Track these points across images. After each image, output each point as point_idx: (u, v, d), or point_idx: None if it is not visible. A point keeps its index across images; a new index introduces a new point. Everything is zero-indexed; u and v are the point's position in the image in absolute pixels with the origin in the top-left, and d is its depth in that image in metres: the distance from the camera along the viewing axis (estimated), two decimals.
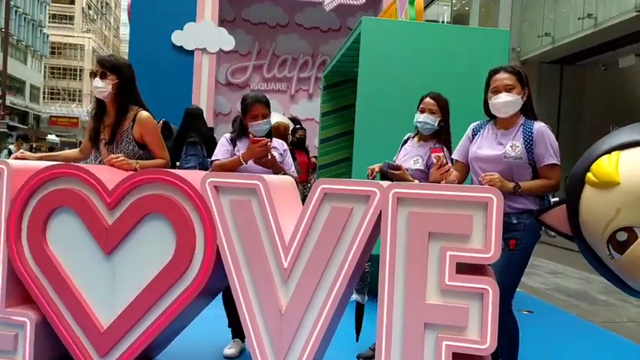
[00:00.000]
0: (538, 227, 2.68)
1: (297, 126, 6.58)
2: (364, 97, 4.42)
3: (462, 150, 2.93)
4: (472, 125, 2.95)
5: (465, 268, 2.20)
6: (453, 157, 2.99)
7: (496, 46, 4.46)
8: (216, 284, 2.65)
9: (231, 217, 2.40)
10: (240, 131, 3.30)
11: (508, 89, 2.70)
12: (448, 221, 2.16)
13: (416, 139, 3.41)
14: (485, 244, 2.12)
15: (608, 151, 2.18)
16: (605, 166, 2.14)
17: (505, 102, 2.70)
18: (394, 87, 4.33)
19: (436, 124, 3.25)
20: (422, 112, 3.27)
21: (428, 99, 3.28)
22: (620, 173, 2.08)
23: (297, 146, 6.38)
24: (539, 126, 2.70)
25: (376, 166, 3.27)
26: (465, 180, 2.96)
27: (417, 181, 3.10)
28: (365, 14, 8.70)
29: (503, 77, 2.73)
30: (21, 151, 3.20)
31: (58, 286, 2.53)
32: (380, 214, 2.22)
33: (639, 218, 2.02)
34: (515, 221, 2.69)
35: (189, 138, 5.15)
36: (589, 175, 2.20)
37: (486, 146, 2.76)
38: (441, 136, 3.30)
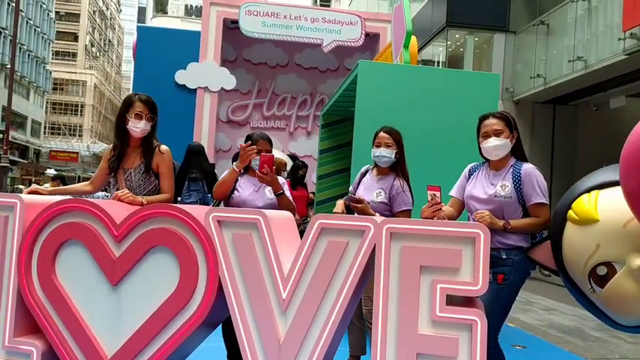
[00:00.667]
0: (527, 265, 2.81)
1: (301, 163, 6.76)
2: (360, 136, 4.59)
3: (459, 188, 3.11)
4: (469, 166, 3.14)
5: (456, 301, 2.32)
6: (450, 194, 3.14)
7: (487, 88, 4.66)
8: (217, 315, 2.75)
9: (233, 250, 2.52)
10: (244, 168, 3.44)
11: (497, 134, 2.89)
12: (439, 255, 2.28)
13: (374, 172, 3.56)
14: (474, 277, 2.25)
15: (588, 190, 2.33)
16: (584, 204, 2.28)
17: (494, 146, 2.88)
18: (389, 125, 4.50)
19: (393, 157, 3.41)
20: (378, 146, 3.44)
21: (382, 133, 3.46)
22: (599, 211, 2.22)
23: (299, 183, 6.55)
24: (527, 167, 2.86)
25: (341, 203, 3.44)
26: (460, 216, 3.11)
27: (377, 214, 3.25)
28: (362, 55, 8.99)
29: (492, 123, 2.92)
30: (34, 185, 3.36)
31: (64, 315, 2.63)
32: (374, 248, 2.35)
33: (617, 253, 2.15)
34: (504, 256, 2.82)
35: (191, 174, 5.29)
36: (570, 212, 2.35)
37: (480, 186, 2.93)
38: (398, 168, 3.45)
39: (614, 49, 9.84)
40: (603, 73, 10.57)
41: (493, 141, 2.88)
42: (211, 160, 7.93)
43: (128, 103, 3.26)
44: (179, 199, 5.30)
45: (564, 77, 11.40)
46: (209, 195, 5.42)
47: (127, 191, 2.99)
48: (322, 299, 2.40)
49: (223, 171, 3.61)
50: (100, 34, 63.89)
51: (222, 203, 3.45)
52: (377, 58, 7.58)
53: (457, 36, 14.75)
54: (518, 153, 2.96)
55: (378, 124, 4.59)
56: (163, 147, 3.31)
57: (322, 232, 2.42)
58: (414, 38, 5.26)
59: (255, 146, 3.30)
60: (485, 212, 2.76)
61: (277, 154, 6.48)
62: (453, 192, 3.12)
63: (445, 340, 2.26)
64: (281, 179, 3.52)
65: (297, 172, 6.52)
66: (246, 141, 3.47)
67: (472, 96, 4.58)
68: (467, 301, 2.36)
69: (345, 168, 6.97)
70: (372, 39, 8.91)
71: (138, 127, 3.19)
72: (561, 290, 7.71)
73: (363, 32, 8.44)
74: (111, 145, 3.36)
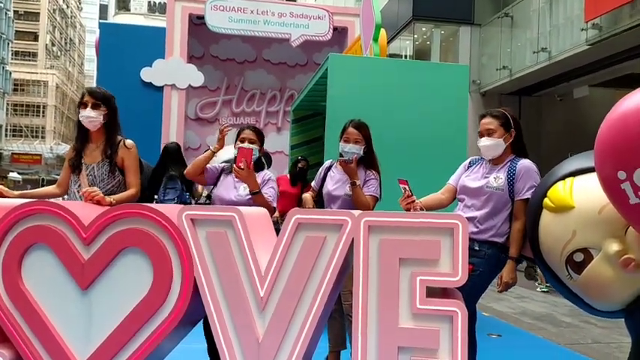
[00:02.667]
0: (500, 260, 2.81)
1: (300, 157, 6.55)
2: (332, 130, 4.55)
3: (457, 176, 3.10)
4: (471, 158, 3.13)
5: (433, 291, 2.30)
6: (448, 182, 3.12)
7: (456, 80, 4.69)
8: (195, 315, 2.68)
9: (208, 249, 2.46)
10: (231, 165, 3.37)
11: (489, 133, 2.89)
12: (417, 247, 2.26)
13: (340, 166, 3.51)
14: (453, 268, 2.23)
15: (563, 178, 2.35)
16: (560, 191, 2.30)
17: (485, 146, 2.90)
18: (361, 118, 4.48)
19: (361, 152, 3.38)
20: (346, 141, 3.39)
21: (351, 129, 3.41)
22: (575, 198, 2.24)
23: (300, 178, 6.38)
24: (524, 162, 2.85)
25: (309, 197, 3.44)
26: (452, 203, 3.10)
27: (359, 182, 3.25)
28: (330, 50, 8.95)
29: (486, 122, 2.92)
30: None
31: (33, 323, 2.53)
32: (352, 242, 2.32)
33: (594, 240, 2.17)
34: (477, 248, 2.82)
35: (169, 172, 5.28)
36: (546, 200, 2.36)
37: (474, 178, 2.93)
38: (366, 162, 3.43)
39: (576, 39, 10.03)
40: (567, 63, 10.78)
41: (484, 141, 2.90)
42: None
43: (80, 97, 3.25)
44: (156, 197, 5.24)
45: (529, 68, 11.58)
46: (187, 194, 5.35)
47: (96, 189, 2.90)
48: (301, 296, 2.35)
49: None
50: (60, 33, 62.33)
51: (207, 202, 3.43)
52: (346, 52, 7.56)
53: (424, 29, 14.85)
54: (518, 149, 2.94)
55: (349, 117, 4.55)
56: (129, 141, 3.29)
57: (299, 228, 2.38)
58: (383, 31, 5.25)
59: (230, 126, 3.32)
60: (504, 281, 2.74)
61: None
62: (451, 179, 3.12)
63: (426, 333, 2.24)
64: (268, 173, 3.44)
65: (297, 166, 6.34)
66: (238, 133, 3.43)
67: (442, 87, 4.60)
68: (444, 292, 2.35)
69: (317, 163, 6.93)
70: (340, 33, 8.88)
71: (84, 115, 3.16)
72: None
73: (331, 26, 8.41)
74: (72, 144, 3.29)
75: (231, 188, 3.28)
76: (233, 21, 8.15)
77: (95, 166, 3.19)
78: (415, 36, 14.58)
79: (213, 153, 3.33)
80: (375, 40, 5.18)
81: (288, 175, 6.41)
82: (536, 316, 6.20)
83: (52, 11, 58.18)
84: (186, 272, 2.45)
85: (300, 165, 6.37)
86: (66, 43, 64.42)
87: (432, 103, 4.57)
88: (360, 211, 2.49)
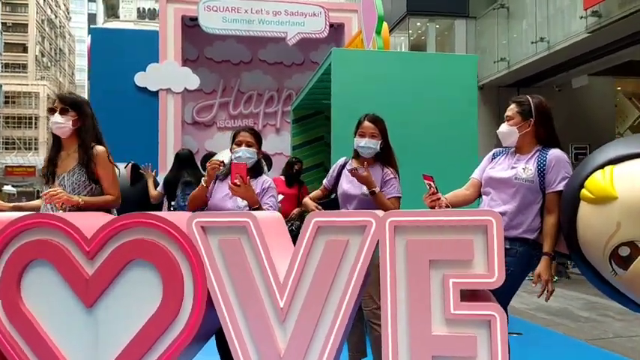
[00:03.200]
0: (532, 258, 2.64)
1: (294, 159, 6.40)
2: (338, 127, 4.39)
3: (480, 169, 2.94)
4: (495, 149, 2.98)
5: (464, 295, 2.14)
6: (472, 176, 2.96)
7: (465, 71, 4.52)
8: (209, 328, 2.51)
9: (221, 258, 2.29)
10: (229, 169, 3.16)
11: (507, 120, 2.77)
12: (448, 247, 2.10)
13: (355, 163, 3.32)
14: (489, 268, 2.07)
15: (601, 166, 2.18)
16: (599, 181, 2.13)
17: (500, 132, 2.79)
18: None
19: (377, 147, 3.20)
20: (362, 136, 3.22)
21: (367, 123, 3.23)
22: (616, 187, 2.07)
23: (296, 179, 6.24)
24: (554, 152, 2.68)
25: (311, 203, 3.24)
26: (477, 198, 2.93)
27: (378, 188, 3.06)
28: (327, 47, 8.77)
29: (508, 107, 2.81)
30: None
31: (35, 345, 2.35)
32: (377, 244, 2.16)
33: None
34: (507, 246, 2.65)
35: (185, 177, 5.24)
36: (584, 191, 2.20)
37: (500, 168, 2.77)
38: (383, 158, 3.25)
39: (575, 28, 9.90)
40: (566, 52, 10.65)
41: (502, 127, 2.80)
42: None
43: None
44: (173, 203, 5.17)
45: (528, 59, 11.44)
46: None
47: (59, 189, 2.74)
48: (324, 305, 2.18)
49: None
50: (50, 44, 61.96)
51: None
52: (347, 46, 7.37)
53: (418, 24, 14.70)
54: (541, 139, 2.77)
55: (355, 113, 4.37)
56: (98, 147, 3.09)
57: (319, 232, 2.21)
58: (385, 23, 5.08)
59: (217, 162, 3.07)
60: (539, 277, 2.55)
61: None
62: (475, 174, 2.96)
63: (462, 340, 2.07)
64: (267, 180, 3.23)
65: (293, 168, 6.19)
66: (234, 136, 3.22)
67: (450, 78, 4.45)
68: (473, 294, 2.18)
69: (319, 163, 6.77)
70: (336, 30, 8.71)
71: (52, 121, 3.00)
72: None
73: (328, 23, 8.24)
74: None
75: (228, 198, 3.03)
76: (227, 21, 7.96)
77: (66, 176, 3.00)
78: (410, 31, 14.43)
79: (205, 187, 3.10)
80: (378, 32, 5.01)
81: (283, 177, 6.23)
82: (552, 312, 6.04)
83: (40, 22, 57.82)
84: (198, 284, 2.28)
85: (296, 167, 6.24)
86: (56, 54, 64.06)
87: (440, 95, 4.41)
88: (385, 211, 2.32)
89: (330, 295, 2.19)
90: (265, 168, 6.90)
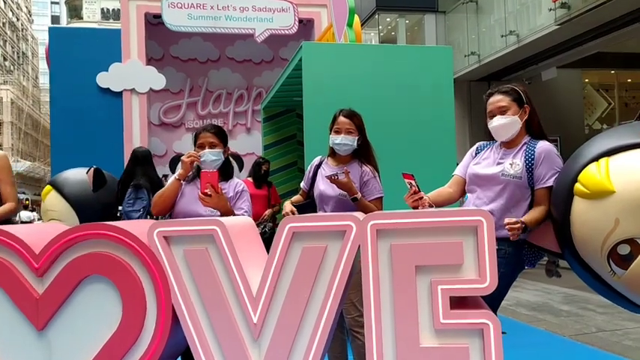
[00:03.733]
0: (522, 258, 2.48)
1: (262, 159, 6.14)
2: (311, 124, 4.19)
3: (463, 166, 2.75)
4: (478, 144, 2.79)
5: (453, 302, 1.97)
6: (454, 173, 2.78)
7: (440, 62, 4.37)
8: (175, 348, 2.29)
9: (187, 270, 2.08)
10: (194, 173, 2.93)
11: (502, 111, 2.53)
12: (436, 251, 1.92)
13: (332, 161, 3.11)
14: (480, 273, 1.90)
15: (595, 159, 2.03)
16: (594, 174, 1.98)
17: (500, 125, 2.52)
18: None
19: (355, 144, 2.99)
20: (337, 133, 3.00)
21: (342, 118, 3.01)
22: (613, 181, 1.92)
23: (263, 180, 6.00)
24: (543, 145, 2.49)
25: (289, 204, 3.05)
26: (462, 197, 2.75)
27: (359, 194, 2.87)
28: (297, 44, 8.54)
29: (496, 99, 2.56)
30: None
31: None
32: (358, 250, 1.97)
33: None
34: (496, 247, 2.49)
35: (139, 181, 4.77)
36: (578, 186, 2.04)
37: (485, 165, 2.58)
38: (361, 154, 3.06)
39: (545, 20, 9.89)
40: (535, 45, 10.65)
41: (498, 119, 2.52)
42: None
43: None
44: (120, 208, 4.73)
45: (498, 53, 11.43)
46: None
47: None
48: (302, 319, 1.99)
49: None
50: (12, 47, 60.16)
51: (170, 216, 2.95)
52: (317, 41, 7.17)
53: (388, 19, 14.60)
54: (533, 129, 2.58)
55: (328, 109, 4.15)
56: None
57: (294, 238, 2.01)
58: (356, 17, 4.91)
59: (195, 153, 2.83)
60: (515, 222, 2.28)
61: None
62: (458, 170, 2.76)
63: (453, 352, 1.90)
64: (239, 182, 2.99)
65: (261, 169, 5.95)
66: (195, 136, 2.98)
67: (426, 71, 4.28)
68: (462, 300, 2.01)
69: (292, 162, 6.58)
70: (305, 26, 8.50)
71: None
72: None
73: (297, 19, 8.01)
74: None
75: (197, 201, 2.75)
76: (193, 18, 7.67)
77: None
78: (380, 27, 14.32)
79: (180, 181, 2.84)
80: (350, 25, 4.83)
81: (251, 179, 5.98)
82: (533, 307, 5.96)
83: (1, 25, 56.14)
84: (162, 301, 2.06)
85: (264, 168, 6.01)
86: (18, 57, 62.29)
87: (416, 87, 4.25)
88: (365, 214, 2.14)
89: (308, 307, 1.99)
90: (237, 168, 6.66)
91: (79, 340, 2.10)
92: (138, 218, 4.54)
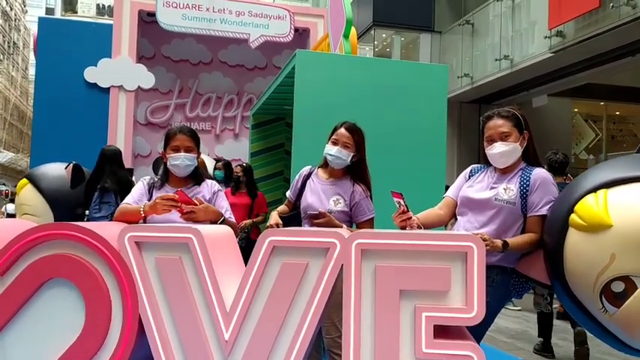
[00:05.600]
0: (509, 288, 2.40)
1: (242, 164, 5.94)
2: (301, 134, 4.09)
3: (456, 188, 2.65)
4: (472, 166, 2.69)
5: (435, 328, 1.86)
6: (446, 194, 2.68)
7: (436, 80, 4.30)
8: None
9: (157, 279, 1.96)
10: (163, 178, 2.77)
11: (504, 137, 2.43)
12: (422, 276, 1.83)
13: (323, 174, 2.99)
14: (467, 301, 1.80)
15: (593, 190, 1.95)
16: (592, 206, 1.90)
17: (501, 152, 2.43)
18: (331, 122, 4.03)
19: (348, 160, 2.88)
20: (334, 143, 2.88)
21: (342, 130, 2.89)
22: (612, 214, 1.84)
23: (236, 186, 5.77)
24: (539, 172, 2.41)
25: (275, 215, 2.91)
26: (452, 219, 2.65)
27: (344, 226, 2.77)
28: (291, 52, 8.47)
29: (497, 124, 2.45)
30: None
31: None
32: (341, 269, 1.86)
33: (639, 265, 1.77)
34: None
35: (105, 183, 4.54)
36: (574, 217, 1.96)
37: (479, 188, 2.48)
38: (355, 172, 2.94)
39: (539, 47, 9.94)
40: (528, 71, 10.70)
41: (499, 146, 2.42)
42: (129, 167, 7.15)
43: None
44: (87, 212, 4.52)
45: (491, 76, 11.46)
46: None
47: None
48: (277, 338, 1.88)
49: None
50: (3, 37, 59.46)
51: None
52: (313, 50, 7.09)
53: (384, 35, 14.62)
54: (529, 155, 2.50)
55: (318, 119, 4.10)
56: None
57: (274, 253, 1.90)
58: (353, 28, 4.84)
59: (171, 197, 2.47)
60: (483, 234, 2.23)
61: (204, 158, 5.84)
62: (449, 192, 2.66)
63: None
64: (213, 182, 2.85)
65: (231, 169, 5.71)
66: (165, 136, 2.78)
67: (421, 88, 4.21)
68: (446, 328, 1.91)
69: (279, 171, 6.46)
70: (301, 35, 8.43)
71: None
72: None
73: (293, 27, 7.94)
74: None
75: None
76: (187, 19, 7.56)
77: None
78: (375, 42, 14.32)
79: (143, 216, 2.52)
80: (346, 36, 4.76)
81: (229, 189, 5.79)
82: (512, 334, 5.88)
83: None
84: (128, 309, 1.94)
85: (236, 171, 5.75)
86: (9, 47, 61.58)
87: (409, 104, 4.17)
88: (351, 231, 2.03)
89: (284, 326, 1.88)
90: (221, 173, 6.46)
91: (37, 346, 1.96)
92: None
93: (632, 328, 1.84)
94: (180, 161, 2.66)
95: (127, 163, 7.26)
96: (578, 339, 4.54)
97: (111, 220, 4.51)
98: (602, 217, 1.84)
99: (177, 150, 2.68)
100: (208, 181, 2.82)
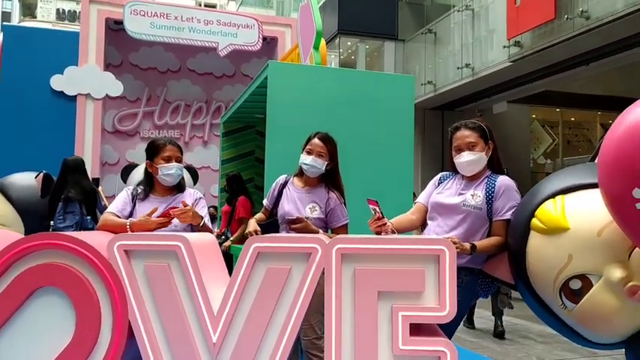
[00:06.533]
0: (477, 288, 2.56)
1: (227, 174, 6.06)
2: (273, 143, 4.19)
3: (426, 194, 2.80)
4: (441, 174, 2.85)
5: (413, 328, 2.00)
6: (417, 200, 2.82)
7: (403, 91, 4.47)
8: None
9: (146, 286, 2.03)
10: (147, 188, 2.82)
11: (471, 147, 2.60)
12: (398, 278, 1.96)
13: (299, 182, 3.13)
14: (440, 301, 1.95)
15: (552, 196, 2.13)
16: (550, 211, 2.07)
17: (468, 161, 2.59)
18: (303, 132, 4.15)
19: (323, 168, 3.03)
20: (309, 153, 3.03)
21: (316, 140, 3.04)
22: (569, 218, 2.02)
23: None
24: (503, 179, 2.58)
25: (253, 222, 3.02)
26: (422, 224, 2.80)
27: (321, 231, 2.91)
28: (259, 61, 8.60)
29: (465, 135, 2.62)
30: None
31: None
32: (323, 272, 1.98)
33: (593, 265, 1.95)
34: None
35: (69, 193, 4.54)
36: (534, 221, 2.13)
37: (448, 194, 2.65)
38: (329, 180, 3.10)
39: (499, 56, 10.30)
40: (489, 79, 11.05)
41: (466, 155, 2.59)
42: (96, 175, 7.12)
43: None
44: (51, 223, 4.50)
45: (454, 84, 11.79)
46: (88, 218, 4.65)
47: None
48: (262, 340, 1.98)
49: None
50: None
51: None
52: (282, 60, 7.21)
53: (349, 43, 14.84)
54: (494, 164, 2.67)
55: (291, 128, 4.23)
56: None
57: (259, 258, 2.01)
58: (323, 40, 4.98)
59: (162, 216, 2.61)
60: (453, 238, 2.39)
61: None
62: (420, 198, 2.81)
63: None
64: (196, 193, 2.95)
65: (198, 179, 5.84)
66: (150, 146, 2.85)
67: (388, 98, 4.37)
68: (419, 327, 2.05)
69: (250, 178, 6.55)
70: (269, 44, 8.55)
71: None
72: None
73: (261, 36, 8.05)
74: None
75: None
76: (155, 27, 7.58)
77: None
78: (340, 50, 14.53)
79: (128, 229, 2.57)
80: (316, 48, 4.90)
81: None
82: (477, 333, 6.10)
83: None
84: (118, 316, 2.01)
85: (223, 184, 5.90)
86: None
87: (378, 113, 4.33)
88: (332, 237, 2.16)
89: (269, 328, 1.98)
90: (191, 181, 6.53)
91: (28, 354, 2.01)
92: None
93: (589, 323, 2.01)
94: (174, 171, 2.76)
95: (95, 171, 7.25)
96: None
97: (76, 229, 4.52)
98: (560, 221, 2.01)
99: (169, 160, 2.77)
100: (190, 190, 2.91)
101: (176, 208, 2.64)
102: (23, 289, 2.01)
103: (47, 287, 2.03)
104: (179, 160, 2.80)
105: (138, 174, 5.37)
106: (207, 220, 2.83)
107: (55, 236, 2.05)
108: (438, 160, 13.60)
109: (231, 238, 5.61)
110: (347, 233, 3.03)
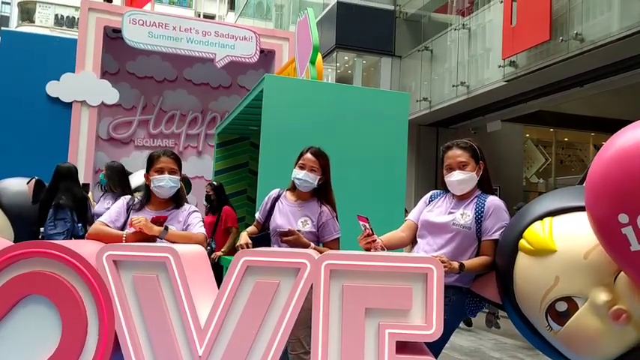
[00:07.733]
0: (464, 307, 2.57)
1: (212, 183, 6.07)
2: (267, 156, 4.21)
3: (417, 212, 2.81)
4: (431, 192, 2.86)
5: (399, 346, 2.01)
6: (408, 218, 2.84)
7: (397, 107, 4.51)
8: None
9: (134, 297, 2.04)
10: (143, 200, 2.82)
11: (462, 166, 2.62)
12: (386, 295, 1.97)
13: (291, 196, 3.15)
14: (427, 319, 1.96)
15: (540, 217, 2.15)
16: (538, 233, 2.09)
17: (459, 180, 2.61)
18: (297, 145, 4.17)
19: (315, 183, 3.05)
20: (301, 168, 3.05)
21: (309, 155, 3.07)
22: (556, 240, 2.03)
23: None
24: (492, 199, 2.61)
25: (245, 235, 3.02)
26: (412, 242, 2.82)
27: (312, 245, 2.92)
28: (256, 73, 8.64)
29: (456, 154, 2.65)
30: None
31: None
32: (311, 288, 1.99)
33: (579, 287, 1.96)
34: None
35: (59, 200, 4.53)
36: (522, 242, 2.15)
37: (438, 213, 2.66)
38: (321, 194, 3.12)
39: (494, 75, 10.39)
40: (484, 98, 11.13)
41: (457, 175, 2.61)
42: (89, 182, 7.10)
43: None
44: (42, 230, 4.48)
45: (449, 101, 11.87)
46: (79, 225, 4.64)
47: None
48: (249, 353, 1.98)
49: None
50: None
51: None
52: (278, 74, 7.26)
53: (346, 58, 14.93)
54: (484, 184, 2.70)
55: (285, 142, 4.25)
56: None
57: (248, 272, 2.02)
58: (319, 55, 5.02)
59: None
60: (442, 256, 2.40)
61: None
62: (411, 215, 2.83)
63: None
64: (189, 205, 2.94)
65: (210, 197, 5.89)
66: (148, 159, 2.87)
67: (383, 115, 4.41)
68: (405, 344, 2.05)
69: (243, 190, 6.56)
70: (266, 56, 8.59)
71: None
72: None
73: (258, 48, 8.10)
74: None
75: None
76: (153, 37, 7.61)
77: None
78: (338, 64, 14.61)
79: (122, 239, 2.55)
80: (313, 62, 4.94)
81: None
82: (466, 352, 6.09)
83: None
84: (104, 326, 2.01)
85: (206, 190, 5.89)
86: None
87: (372, 130, 4.36)
88: (320, 252, 2.17)
89: (256, 342, 1.99)
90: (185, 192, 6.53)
91: None
92: None
93: (574, 345, 2.02)
94: (165, 182, 2.74)
95: (88, 178, 7.23)
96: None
97: (67, 236, 4.50)
98: (548, 243, 2.03)
99: (161, 172, 2.75)
100: (186, 206, 2.89)
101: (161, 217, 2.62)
102: (10, 296, 2.01)
103: (34, 295, 2.02)
104: (173, 172, 2.77)
105: (136, 178, 5.34)
106: (202, 230, 2.81)
107: (44, 244, 2.05)
108: (431, 176, 13.65)
109: (223, 250, 5.61)
110: (338, 247, 3.04)
